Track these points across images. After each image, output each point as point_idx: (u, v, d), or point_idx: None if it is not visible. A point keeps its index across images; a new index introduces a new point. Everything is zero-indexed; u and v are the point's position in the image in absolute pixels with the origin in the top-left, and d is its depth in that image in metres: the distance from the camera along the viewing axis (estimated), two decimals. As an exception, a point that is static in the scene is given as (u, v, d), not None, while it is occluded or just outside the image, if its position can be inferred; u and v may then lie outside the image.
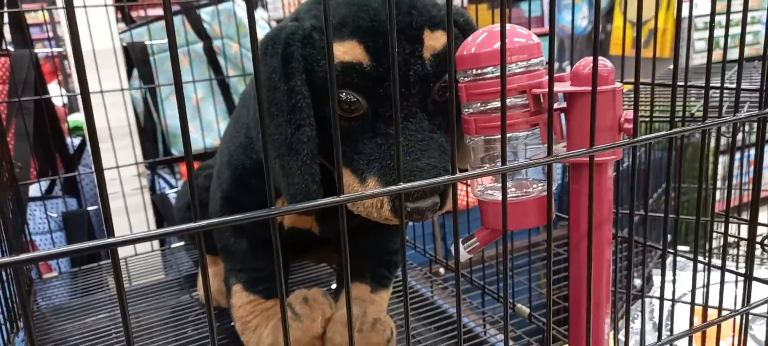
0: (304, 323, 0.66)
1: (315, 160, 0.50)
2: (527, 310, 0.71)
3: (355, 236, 0.74)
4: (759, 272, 0.54)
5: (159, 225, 1.22)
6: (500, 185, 0.48)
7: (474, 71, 0.46)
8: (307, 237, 0.71)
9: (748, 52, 2.67)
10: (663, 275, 0.56)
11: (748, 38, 2.76)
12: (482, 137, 0.47)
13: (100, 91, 1.04)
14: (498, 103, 0.46)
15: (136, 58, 1.17)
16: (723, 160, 2.08)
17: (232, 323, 0.82)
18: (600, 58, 0.43)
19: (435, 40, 0.50)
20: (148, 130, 1.21)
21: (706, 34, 2.87)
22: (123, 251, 1.13)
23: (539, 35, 0.46)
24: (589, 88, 0.41)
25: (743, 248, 1.29)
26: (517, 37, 0.46)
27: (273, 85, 0.50)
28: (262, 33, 1.23)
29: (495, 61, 0.45)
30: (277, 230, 0.32)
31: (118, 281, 0.25)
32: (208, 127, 1.23)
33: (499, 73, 0.45)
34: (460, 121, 0.50)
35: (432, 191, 0.48)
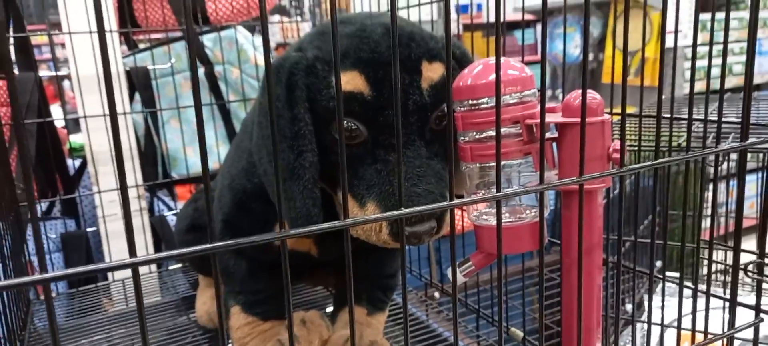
0: (302, 344, 0.67)
1: (316, 185, 0.52)
2: (521, 334, 0.73)
3: (352, 259, 0.76)
4: (748, 298, 0.56)
5: (157, 247, 1.23)
6: (495, 210, 0.50)
7: (470, 102, 0.49)
8: (306, 260, 0.73)
9: (736, 82, 2.72)
10: (650, 300, 0.58)
11: (737, 68, 2.82)
12: (477, 165, 0.49)
13: (103, 115, 1.06)
14: (492, 133, 0.48)
15: (138, 83, 1.19)
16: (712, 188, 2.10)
17: (229, 344, 0.83)
18: (590, 90, 0.45)
19: (432, 72, 0.52)
20: (149, 154, 1.23)
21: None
22: (120, 273, 1.13)
23: (532, 63, 0.49)
24: (579, 120, 0.44)
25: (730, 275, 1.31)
26: (510, 69, 0.48)
27: (276, 113, 0.52)
28: (261, 58, 1.25)
29: (490, 92, 0.48)
30: (286, 252, 0.33)
31: (139, 299, 0.26)
32: (208, 150, 1.24)
33: (493, 104, 0.48)
34: (457, 149, 0.52)
35: (429, 216, 0.50)
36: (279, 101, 0.52)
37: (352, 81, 0.50)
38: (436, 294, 1.05)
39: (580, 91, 0.45)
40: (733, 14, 2.99)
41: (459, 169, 0.56)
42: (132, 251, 0.26)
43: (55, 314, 0.25)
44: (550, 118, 0.46)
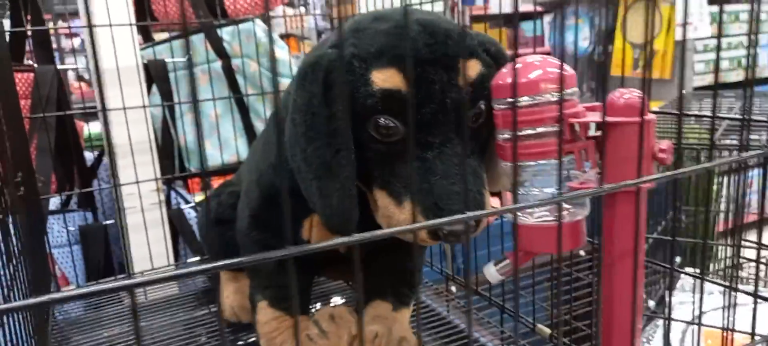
0: (331, 340, 0.67)
1: (353, 183, 0.52)
2: (548, 331, 0.73)
3: (377, 254, 0.76)
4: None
5: (174, 239, 1.24)
6: (532, 210, 0.50)
7: (510, 100, 0.48)
8: (331, 254, 0.73)
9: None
10: (670, 295, 0.58)
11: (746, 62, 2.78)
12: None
13: (123, 108, 1.06)
14: (531, 131, 0.48)
15: (156, 75, 1.19)
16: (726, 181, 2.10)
17: (253, 339, 0.83)
18: (633, 90, 0.45)
19: (470, 69, 0.52)
20: (166, 147, 1.23)
21: (705, 56, 2.91)
22: (139, 266, 1.14)
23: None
24: (624, 119, 0.44)
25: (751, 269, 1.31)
26: (550, 67, 0.48)
27: (312, 110, 0.52)
28: (279, 51, 1.25)
29: (530, 91, 0.47)
30: (294, 270, 0.33)
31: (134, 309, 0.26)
32: (226, 143, 1.25)
33: (532, 103, 0.48)
34: (495, 147, 0.52)
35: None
36: (315, 98, 0.52)
37: (390, 79, 0.50)
38: (453, 289, 1.05)
39: (622, 90, 0.45)
40: (745, 6, 2.97)
41: (496, 165, 0.56)
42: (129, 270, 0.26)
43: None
44: (591, 116, 0.46)
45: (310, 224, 0.68)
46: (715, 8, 2.80)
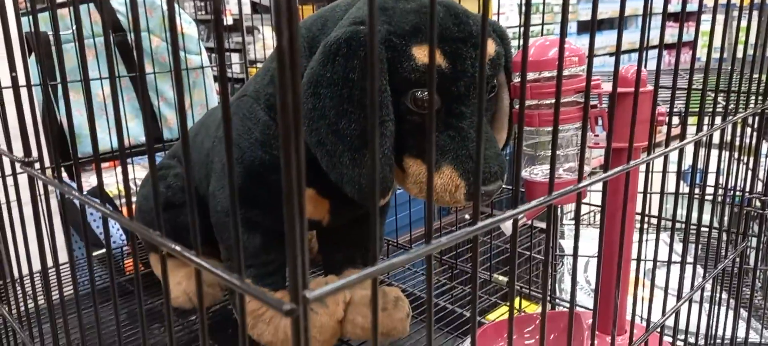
0: (330, 307, 0.69)
1: (393, 153, 0.56)
2: (505, 279, 0.83)
3: (351, 225, 0.79)
4: None
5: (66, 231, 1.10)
6: (544, 167, 0.58)
7: (530, 75, 0.56)
8: (315, 228, 0.75)
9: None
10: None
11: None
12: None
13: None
14: (547, 101, 0.56)
15: (37, 50, 1.04)
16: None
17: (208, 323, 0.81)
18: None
19: (489, 47, 0.58)
20: (52, 130, 1.09)
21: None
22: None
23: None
24: (632, 90, 0.54)
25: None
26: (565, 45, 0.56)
27: (350, 83, 0.54)
28: (187, 27, 1.18)
29: (550, 66, 0.55)
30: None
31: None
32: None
33: (549, 77, 0.56)
34: (513, 115, 0.59)
35: (496, 177, 0.57)
36: (353, 72, 0.54)
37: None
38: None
39: (630, 65, 0.55)
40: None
41: (498, 118, 0.64)
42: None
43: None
44: (606, 87, 0.55)
45: (309, 196, 0.69)
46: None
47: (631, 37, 3.78)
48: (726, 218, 0.77)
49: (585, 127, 0.36)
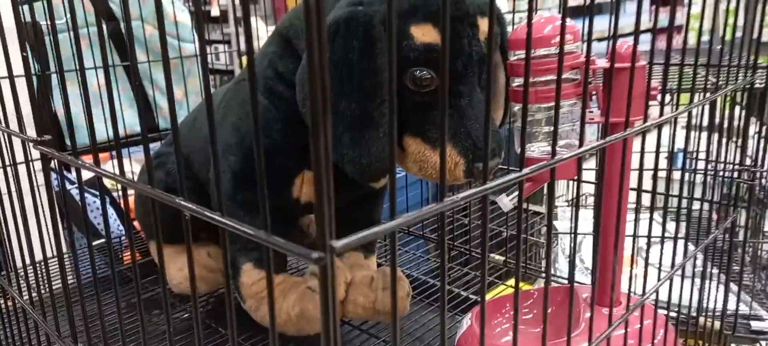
0: (332, 288, 0.70)
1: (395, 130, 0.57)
2: (501, 258, 0.84)
3: (352, 207, 0.80)
4: None
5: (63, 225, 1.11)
6: (540, 144, 0.60)
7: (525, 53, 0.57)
8: (307, 210, 0.76)
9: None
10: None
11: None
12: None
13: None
14: (542, 78, 0.57)
15: (31, 40, 1.04)
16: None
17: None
18: (630, 40, 0.56)
19: (485, 25, 0.59)
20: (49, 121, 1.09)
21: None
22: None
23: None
24: (628, 66, 0.55)
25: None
26: (558, 22, 0.58)
27: (350, 64, 0.55)
28: (180, 14, 1.18)
29: (545, 43, 0.56)
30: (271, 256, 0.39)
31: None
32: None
33: (545, 54, 0.57)
34: (509, 92, 0.60)
35: (494, 154, 0.58)
36: (353, 53, 0.55)
37: (428, 33, 0.55)
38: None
39: (626, 40, 0.56)
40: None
41: (496, 97, 0.65)
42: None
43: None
44: (600, 63, 0.57)
45: (301, 181, 0.70)
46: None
47: (623, 22, 3.79)
48: (716, 196, 0.79)
49: (585, 96, 0.37)
